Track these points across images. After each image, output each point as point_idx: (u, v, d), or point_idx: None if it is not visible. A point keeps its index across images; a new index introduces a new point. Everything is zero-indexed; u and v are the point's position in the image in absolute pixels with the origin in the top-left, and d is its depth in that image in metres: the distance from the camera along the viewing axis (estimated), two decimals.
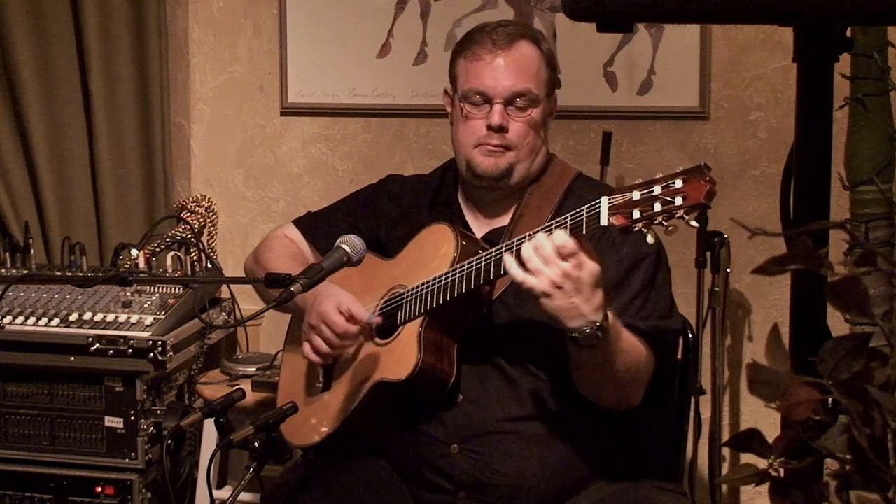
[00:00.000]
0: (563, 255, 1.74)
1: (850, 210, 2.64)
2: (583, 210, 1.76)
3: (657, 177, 1.68)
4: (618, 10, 1.16)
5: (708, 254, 2.82)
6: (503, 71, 2.04)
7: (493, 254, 1.90)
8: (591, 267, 1.76)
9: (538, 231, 1.80)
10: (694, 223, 1.65)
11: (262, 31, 3.34)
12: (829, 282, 0.89)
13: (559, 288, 1.75)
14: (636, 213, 1.67)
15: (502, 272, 1.85)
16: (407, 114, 3.26)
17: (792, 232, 0.93)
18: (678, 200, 1.63)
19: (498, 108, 2.04)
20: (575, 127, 3.14)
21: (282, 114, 3.35)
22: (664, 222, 1.65)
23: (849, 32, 1.17)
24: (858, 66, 2.55)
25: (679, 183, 1.64)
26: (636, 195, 1.68)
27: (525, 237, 1.82)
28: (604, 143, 3.02)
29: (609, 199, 1.71)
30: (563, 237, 1.75)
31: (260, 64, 3.36)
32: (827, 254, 0.93)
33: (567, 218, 1.78)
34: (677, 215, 1.64)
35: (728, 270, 2.85)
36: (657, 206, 1.65)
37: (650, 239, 1.68)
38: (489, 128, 2.04)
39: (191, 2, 3.38)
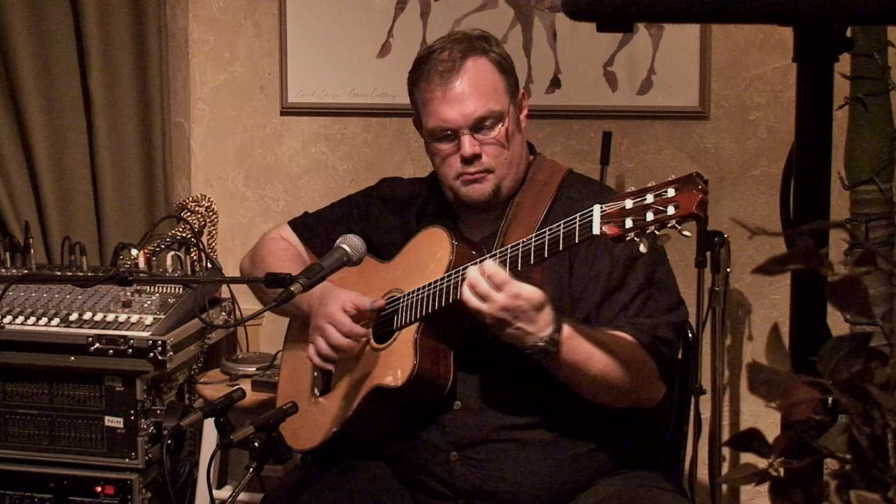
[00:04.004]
0: (495, 285, 1.79)
1: (850, 210, 2.65)
2: (575, 218, 1.75)
3: (649, 185, 1.67)
4: (618, 10, 1.15)
5: (708, 253, 2.81)
6: (459, 100, 2.00)
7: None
8: (527, 294, 1.79)
9: (469, 266, 1.85)
10: (686, 233, 1.65)
11: (262, 31, 3.34)
12: (829, 282, 0.89)
13: (500, 319, 1.80)
14: (628, 223, 1.67)
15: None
16: (407, 113, 3.21)
17: (792, 232, 0.93)
18: (670, 210, 1.63)
19: (466, 138, 2.01)
20: (575, 127, 3.14)
21: (282, 114, 3.35)
22: (656, 231, 1.65)
23: (849, 32, 1.17)
24: (858, 66, 2.55)
25: (671, 192, 1.63)
26: (628, 204, 1.67)
27: (467, 266, 1.87)
28: (604, 142, 3.02)
29: (601, 208, 1.71)
30: (492, 267, 1.80)
31: (260, 64, 3.35)
32: (827, 254, 0.92)
33: (560, 226, 1.78)
34: (669, 225, 1.64)
35: (728, 270, 2.85)
36: (649, 216, 1.65)
37: (643, 248, 1.67)
38: (463, 159, 2.02)
39: (191, 2, 3.38)
